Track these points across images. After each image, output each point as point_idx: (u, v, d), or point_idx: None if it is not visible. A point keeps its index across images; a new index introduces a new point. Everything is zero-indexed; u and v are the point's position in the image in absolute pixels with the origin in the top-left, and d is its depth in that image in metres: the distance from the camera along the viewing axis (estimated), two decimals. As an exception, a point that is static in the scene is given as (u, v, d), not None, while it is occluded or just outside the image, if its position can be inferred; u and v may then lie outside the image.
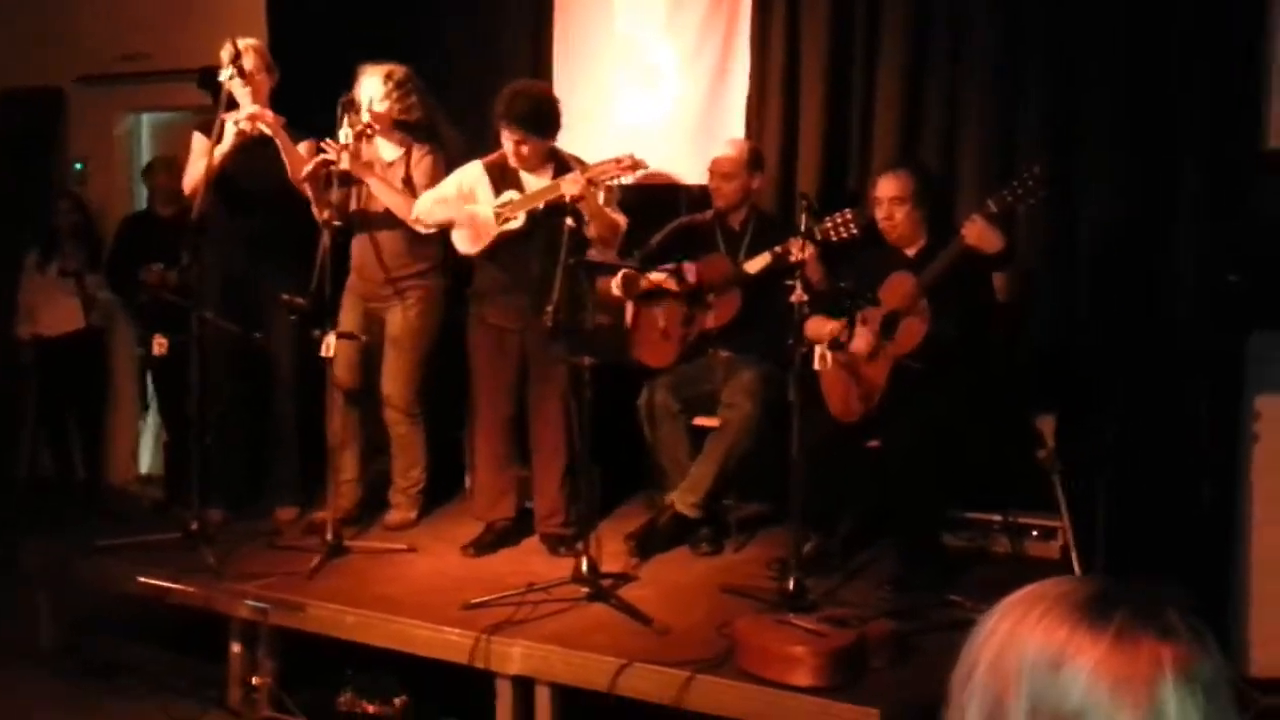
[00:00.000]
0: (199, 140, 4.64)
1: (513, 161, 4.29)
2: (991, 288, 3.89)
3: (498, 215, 4.28)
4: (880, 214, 4.12)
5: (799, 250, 3.88)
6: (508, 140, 4.25)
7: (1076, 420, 4.09)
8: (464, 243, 4.39)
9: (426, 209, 4.40)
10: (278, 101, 4.68)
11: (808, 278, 3.79)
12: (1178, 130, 4.20)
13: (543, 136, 4.27)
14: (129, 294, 6.15)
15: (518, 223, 4.25)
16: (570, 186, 4.02)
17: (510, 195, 4.29)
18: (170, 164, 6.44)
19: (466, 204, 4.35)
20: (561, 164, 4.31)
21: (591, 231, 4.17)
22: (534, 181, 4.31)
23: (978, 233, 3.78)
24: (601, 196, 4.21)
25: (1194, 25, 4.14)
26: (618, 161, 4.03)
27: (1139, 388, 4.18)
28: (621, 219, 4.33)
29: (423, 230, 4.45)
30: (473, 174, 4.38)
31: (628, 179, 4.21)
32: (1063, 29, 4.38)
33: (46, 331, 6.45)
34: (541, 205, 4.17)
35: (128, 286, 6.08)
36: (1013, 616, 0.95)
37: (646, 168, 4.17)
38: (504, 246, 4.32)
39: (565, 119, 4.37)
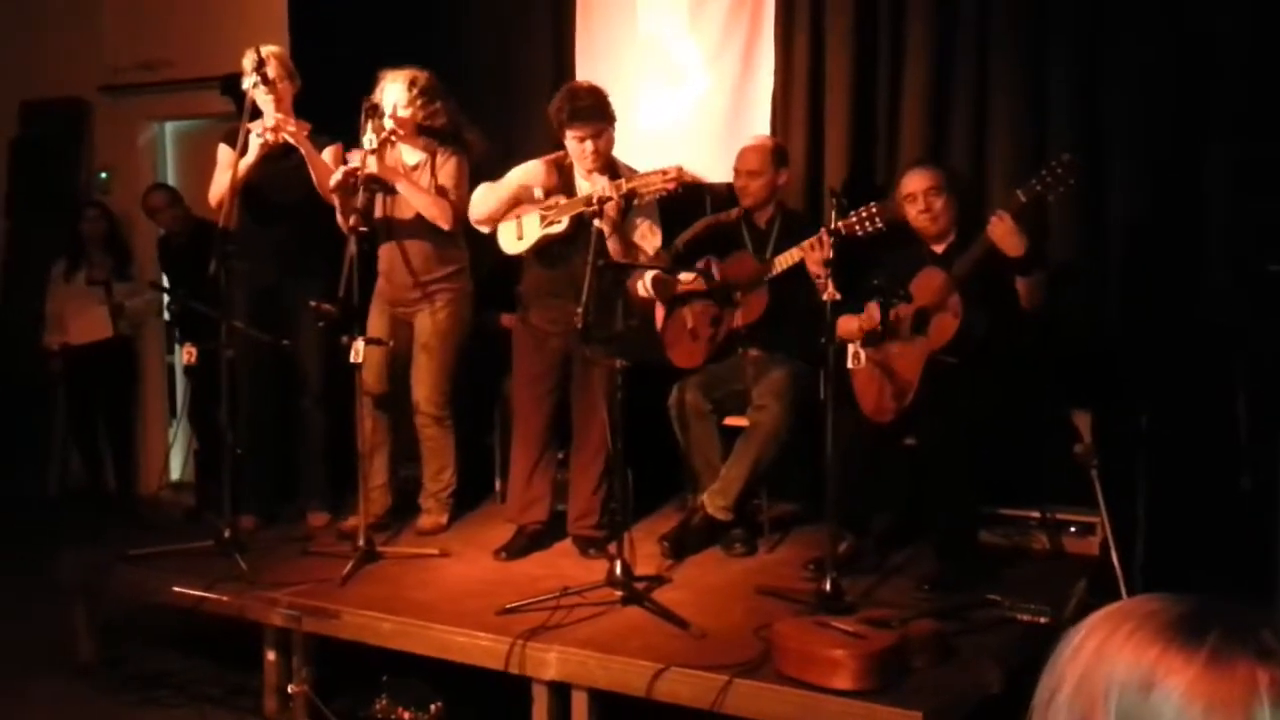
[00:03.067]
0: (224, 151, 4.64)
1: (584, 162, 4.22)
2: (1016, 293, 3.84)
3: (543, 218, 4.27)
4: (917, 208, 4.07)
5: (816, 246, 3.88)
6: (580, 140, 4.16)
7: (1113, 414, 4.04)
8: (509, 242, 4.38)
9: (478, 201, 4.36)
10: (301, 108, 4.68)
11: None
12: (1209, 116, 4.15)
13: (610, 124, 4.21)
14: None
15: (560, 226, 4.23)
16: (604, 191, 3.99)
17: (558, 199, 4.27)
18: (164, 189, 6.50)
19: (524, 200, 4.33)
20: (615, 172, 4.27)
21: (612, 247, 4.11)
22: (586, 187, 4.26)
23: (1002, 231, 3.74)
24: (645, 214, 4.21)
25: (1225, 8, 4.09)
26: (663, 174, 3.99)
27: (1176, 379, 4.13)
28: (652, 242, 4.31)
29: (485, 230, 4.43)
30: (534, 171, 4.34)
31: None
32: (1090, 18, 4.34)
33: (75, 340, 6.49)
34: (584, 210, 4.10)
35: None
36: (1099, 634, 0.92)
37: (692, 180, 4.12)
38: (549, 251, 4.30)
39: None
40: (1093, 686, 0.90)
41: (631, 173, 4.25)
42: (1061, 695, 0.92)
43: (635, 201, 4.16)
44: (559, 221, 4.24)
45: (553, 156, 4.36)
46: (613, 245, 4.10)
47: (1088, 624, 0.94)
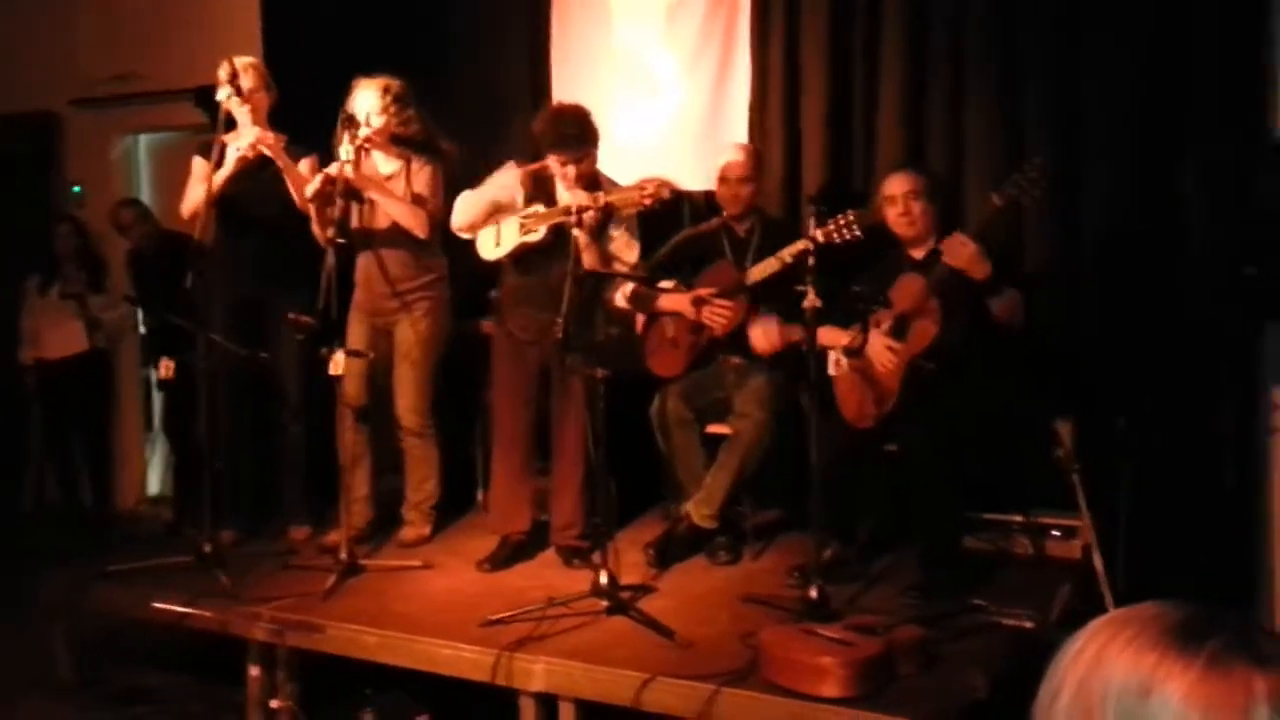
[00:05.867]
0: (199, 164, 4.61)
1: (566, 182, 4.21)
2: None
3: (522, 226, 4.27)
4: (896, 211, 4.09)
5: (796, 254, 3.90)
6: (563, 164, 4.17)
7: (1094, 418, 4.06)
8: (487, 248, 4.39)
9: (461, 208, 4.35)
10: (275, 119, 4.66)
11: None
12: (1184, 122, 4.18)
13: (594, 146, 4.22)
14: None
15: (537, 235, 4.24)
16: (583, 201, 3.99)
17: (537, 208, 4.28)
18: (132, 205, 6.46)
19: (505, 207, 4.33)
20: (596, 186, 4.26)
21: (587, 259, 4.08)
22: (566, 198, 4.27)
23: (966, 257, 3.74)
24: (623, 227, 4.22)
25: (1199, 14, 4.13)
26: (641, 189, 3.99)
27: (1157, 384, 4.16)
28: (632, 252, 4.33)
29: (465, 236, 4.42)
30: (509, 181, 4.35)
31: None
32: (1064, 24, 4.37)
33: (50, 355, 6.44)
34: (562, 220, 4.10)
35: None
36: (1099, 640, 0.93)
37: (672, 192, 4.12)
38: (527, 259, 4.31)
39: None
40: (1091, 692, 0.91)
41: (611, 185, 4.25)
42: (1061, 701, 0.93)
43: (613, 215, 4.17)
44: (536, 230, 4.24)
45: (533, 167, 4.36)
46: (589, 257, 4.10)
47: (1088, 630, 0.95)
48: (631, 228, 4.32)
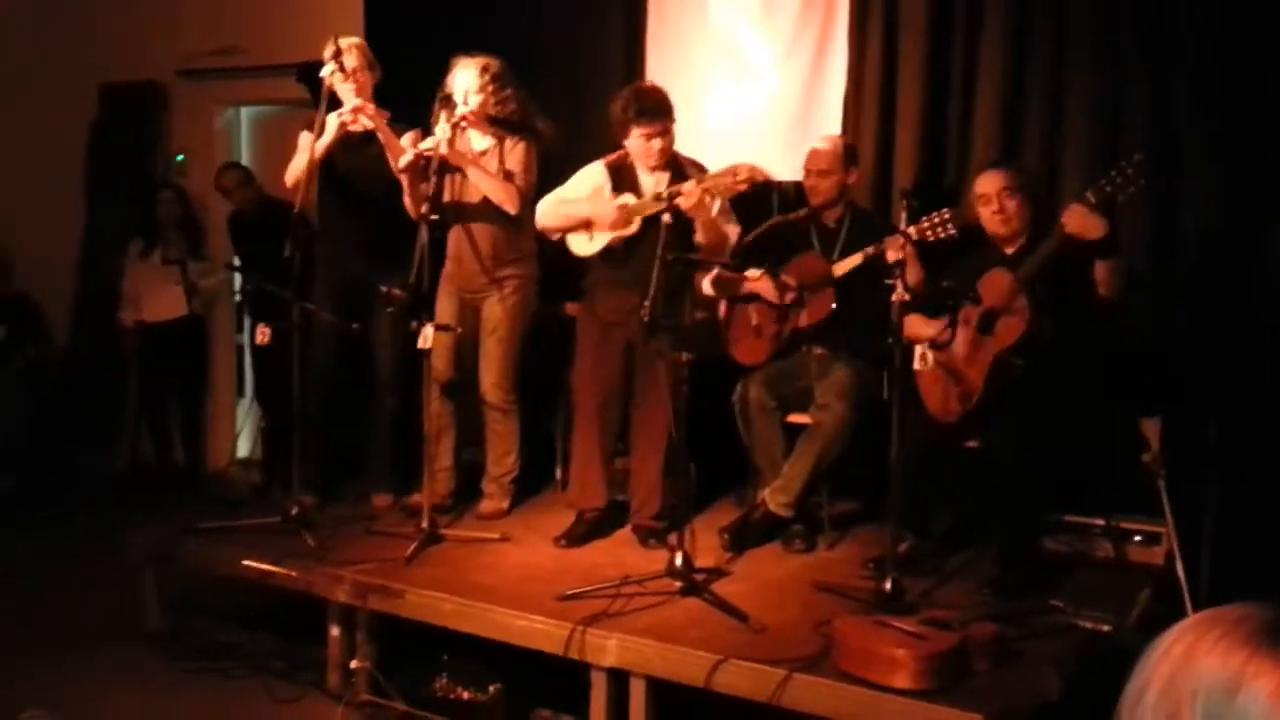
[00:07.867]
0: (305, 137, 4.70)
1: (649, 160, 4.28)
2: (1093, 283, 3.79)
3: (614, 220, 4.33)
4: (991, 208, 4.05)
5: (896, 250, 3.86)
6: (645, 138, 4.23)
7: (1182, 422, 4.00)
8: (580, 245, 4.45)
9: (548, 211, 4.45)
10: (376, 96, 4.74)
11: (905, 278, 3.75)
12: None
13: (672, 121, 4.27)
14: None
15: (633, 228, 4.29)
16: (686, 200, 4.03)
17: (627, 198, 4.32)
18: (236, 169, 6.63)
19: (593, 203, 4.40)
20: (678, 167, 4.31)
21: (700, 239, 4.19)
22: (650, 183, 4.31)
23: (1079, 220, 3.68)
24: (716, 206, 4.22)
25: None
26: (734, 173, 4.01)
27: (1246, 390, 4.08)
28: (733, 231, 4.36)
29: (553, 237, 4.50)
30: (597, 175, 4.41)
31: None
32: (1168, 19, 4.29)
33: (150, 318, 6.64)
34: (657, 213, 4.14)
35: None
36: (1188, 639, 0.94)
37: (765, 179, 4.14)
38: (616, 248, 4.37)
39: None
40: (1180, 689, 0.91)
41: (697, 169, 4.28)
42: (1149, 697, 0.94)
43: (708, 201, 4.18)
44: (632, 224, 4.29)
45: (612, 158, 4.41)
46: (702, 236, 4.15)
47: (1177, 629, 0.96)
48: (727, 209, 4.33)
